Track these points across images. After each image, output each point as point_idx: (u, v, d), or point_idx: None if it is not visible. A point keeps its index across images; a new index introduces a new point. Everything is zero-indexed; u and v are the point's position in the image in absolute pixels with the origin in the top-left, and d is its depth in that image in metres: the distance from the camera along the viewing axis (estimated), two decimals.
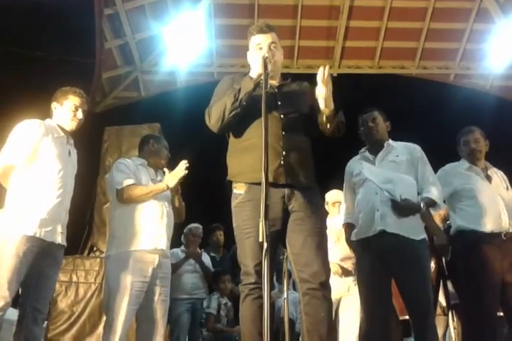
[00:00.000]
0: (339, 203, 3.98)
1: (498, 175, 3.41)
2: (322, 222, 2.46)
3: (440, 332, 3.95)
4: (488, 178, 3.37)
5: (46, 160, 2.86)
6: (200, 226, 5.14)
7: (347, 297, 3.98)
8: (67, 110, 3.00)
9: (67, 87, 3.09)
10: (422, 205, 2.98)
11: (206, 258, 5.17)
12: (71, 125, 3.01)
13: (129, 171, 3.27)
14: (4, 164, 2.84)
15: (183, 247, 5.05)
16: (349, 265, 4.04)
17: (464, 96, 7.91)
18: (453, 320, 3.47)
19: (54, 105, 3.04)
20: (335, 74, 8.19)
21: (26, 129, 2.89)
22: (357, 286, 4.06)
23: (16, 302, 2.81)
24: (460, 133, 3.52)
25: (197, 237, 5.07)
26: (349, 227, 3.24)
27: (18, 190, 2.83)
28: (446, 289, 3.47)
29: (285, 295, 3.74)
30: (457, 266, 3.30)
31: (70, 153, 3.02)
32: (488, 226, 3.19)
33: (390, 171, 3.08)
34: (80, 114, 3.01)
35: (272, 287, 2.58)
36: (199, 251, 5.03)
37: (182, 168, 3.16)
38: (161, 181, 3.38)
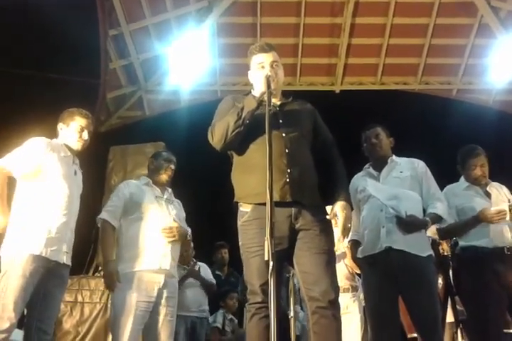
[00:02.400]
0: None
1: (497, 190, 3.40)
2: (330, 240, 2.44)
3: None
4: (488, 195, 3.36)
5: (52, 180, 2.88)
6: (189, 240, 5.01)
7: (346, 315, 3.94)
8: (74, 131, 3.04)
9: (73, 107, 3.13)
10: (427, 221, 2.97)
11: (206, 270, 5.10)
12: (77, 146, 3.05)
13: (117, 199, 3.28)
14: (3, 165, 2.83)
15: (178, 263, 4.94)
16: (345, 282, 4.02)
17: (467, 111, 7.93)
18: (462, 337, 3.42)
19: (60, 126, 3.07)
20: (337, 91, 8.28)
21: (33, 145, 2.91)
22: (355, 303, 4.07)
23: (21, 323, 2.80)
24: (464, 154, 3.46)
25: (190, 250, 4.97)
26: (355, 244, 3.22)
27: (24, 209, 2.84)
28: (454, 305, 3.44)
29: (292, 314, 3.70)
30: (463, 282, 3.28)
31: (75, 172, 3.04)
32: (491, 241, 3.19)
33: (395, 187, 3.08)
34: (85, 135, 3.05)
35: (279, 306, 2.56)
36: (196, 266, 4.96)
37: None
38: (167, 199, 3.38)
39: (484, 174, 3.39)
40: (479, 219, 3.22)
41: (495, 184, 3.45)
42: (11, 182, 2.93)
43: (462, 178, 3.48)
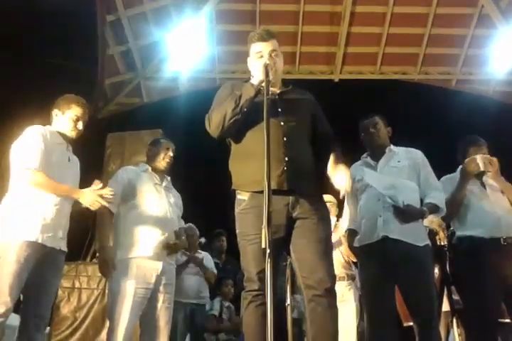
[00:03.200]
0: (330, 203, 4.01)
1: (493, 180, 3.40)
2: (327, 229, 2.45)
3: (442, 334, 3.95)
4: (483, 185, 3.36)
5: (47, 166, 2.85)
6: (193, 225, 5.07)
7: (342, 303, 3.96)
8: (68, 120, 3.02)
9: (71, 93, 3.10)
10: (425, 211, 2.97)
11: (209, 260, 5.13)
12: (70, 135, 3.03)
13: (116, 185, 3.24)
14: (37, 169, 2.80)
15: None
16: (341, 271, 4.04)
17: (466, 101, 7.91)
18: (457, 326, 3.45)
19: (55, 112, 3.05)
20: (336, 80, 8.25)
21: (36, 136, 2.88)
22: (351, 291, 4.10)
23: (17, 308, 2.81)
24: (467, 143, 3.45)
25: (195, 236, 5.03)
26: (352, 233, 3.22)
27: (19, 196, 2.83)
28: (450, 295, 3.46)
29: (288, 302, 3.72)
30: (459, 272, 3.30)
31: (69, 159, 3.03)
32: (487, 231, 3.19)
33: (393, 177, 3.07)
34: (80, 125, 3.04)
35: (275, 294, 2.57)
36: (200, 255, 5.01)
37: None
38: (166, 187, 3.38)
39: None
40: (465, 172, 3.23)
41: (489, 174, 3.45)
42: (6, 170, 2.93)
43: (460, 168, 3.48)
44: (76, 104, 3.03)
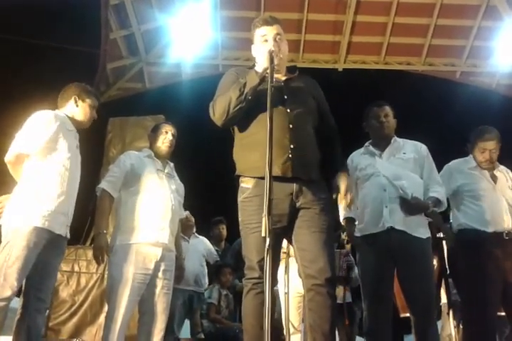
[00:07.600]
0: None
1: (504, 175, 3.39)
2: (330, 219, 2.45)
3: None
4: (494, 178, 3.35)
5: (60, 153, 2.90)
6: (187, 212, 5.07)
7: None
8: (90, 108, 3.11)
9: (73, 77, 3.14)
10: (430, 205, 2.98)
11: (207, 243, 5.15)
12: (87, 123, 3.13)
13: (118, 170, 3.25)
14: (18, 152, 2.85)
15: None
16: None
17: (470, 94, 7.89)
18: (454, 319, 3.47)
19: (75, 99, 3.07)
20: (340, 69, 8.20)
21: (43, 120, 2.90)
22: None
23: (19, 290, 2.83)
24: (476, 136, 3.42)
25: (190, 222, 5.03)
26: (349, 222, 3.22)
27: (31, 182, 2.85)
28: (447, 287, 3.48)
29: (286, 290, 3.73)
30: (459, 264, 3.31)
31: (77, 146, 3.07)
32: (490, 226, 3.20)
33: (398, 168, 3.07)
34: (95, 115, 3.18)
35: (275, 282, 2.58)
36: (197, 239, 5.00)
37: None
38: (168, 174, 3.36)
39: (495, 157, 3.37)
40: None
41: (503, 168, 3.43)
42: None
43: (471, 156, 3.44)
44: (94, 96, 3.14)
